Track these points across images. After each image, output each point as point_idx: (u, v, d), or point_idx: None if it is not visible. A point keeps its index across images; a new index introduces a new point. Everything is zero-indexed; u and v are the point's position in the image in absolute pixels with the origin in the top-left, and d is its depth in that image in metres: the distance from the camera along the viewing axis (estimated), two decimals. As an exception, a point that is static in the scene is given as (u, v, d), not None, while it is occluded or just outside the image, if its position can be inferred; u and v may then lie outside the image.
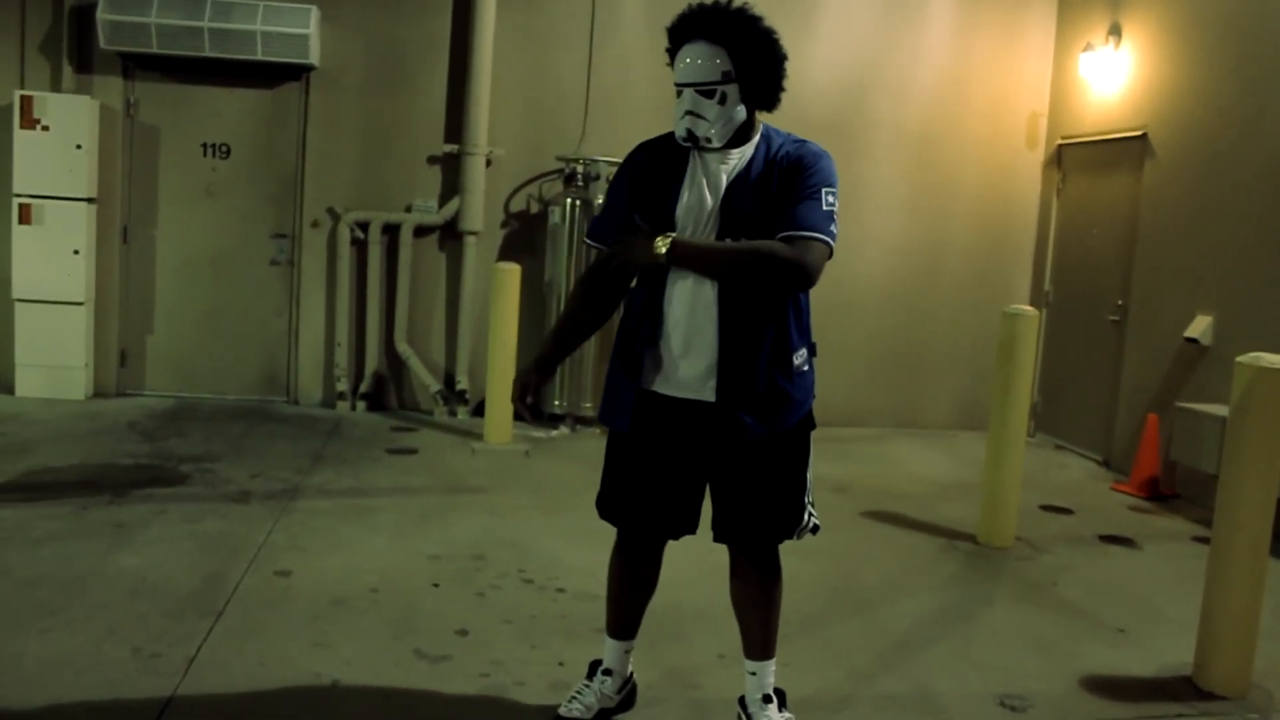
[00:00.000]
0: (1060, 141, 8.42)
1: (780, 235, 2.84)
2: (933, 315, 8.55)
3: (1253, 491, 3.76)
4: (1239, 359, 3.80)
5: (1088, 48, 7.90)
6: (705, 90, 2.84)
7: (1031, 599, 4.76)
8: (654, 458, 3.04)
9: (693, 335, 2.92)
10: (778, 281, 2.86)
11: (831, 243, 2.87)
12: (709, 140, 2.88)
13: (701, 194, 2.93)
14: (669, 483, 3.04)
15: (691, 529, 3.12)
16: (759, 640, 3.20)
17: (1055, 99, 8.51)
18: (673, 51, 2.93)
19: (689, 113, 2.87)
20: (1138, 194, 7.47)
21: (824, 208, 2.86)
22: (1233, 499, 3.80)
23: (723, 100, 2.85)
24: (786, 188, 2.88)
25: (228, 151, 7.82)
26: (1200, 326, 6.70)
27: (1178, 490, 6.80)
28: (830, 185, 2.89)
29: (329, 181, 7.84)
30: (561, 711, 3.25)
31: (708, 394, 2.93)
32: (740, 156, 2.94)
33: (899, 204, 8.39)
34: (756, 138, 2.97)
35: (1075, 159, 8.33)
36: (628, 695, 3.38)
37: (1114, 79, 7.72)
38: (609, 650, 3.31)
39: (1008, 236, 8.65)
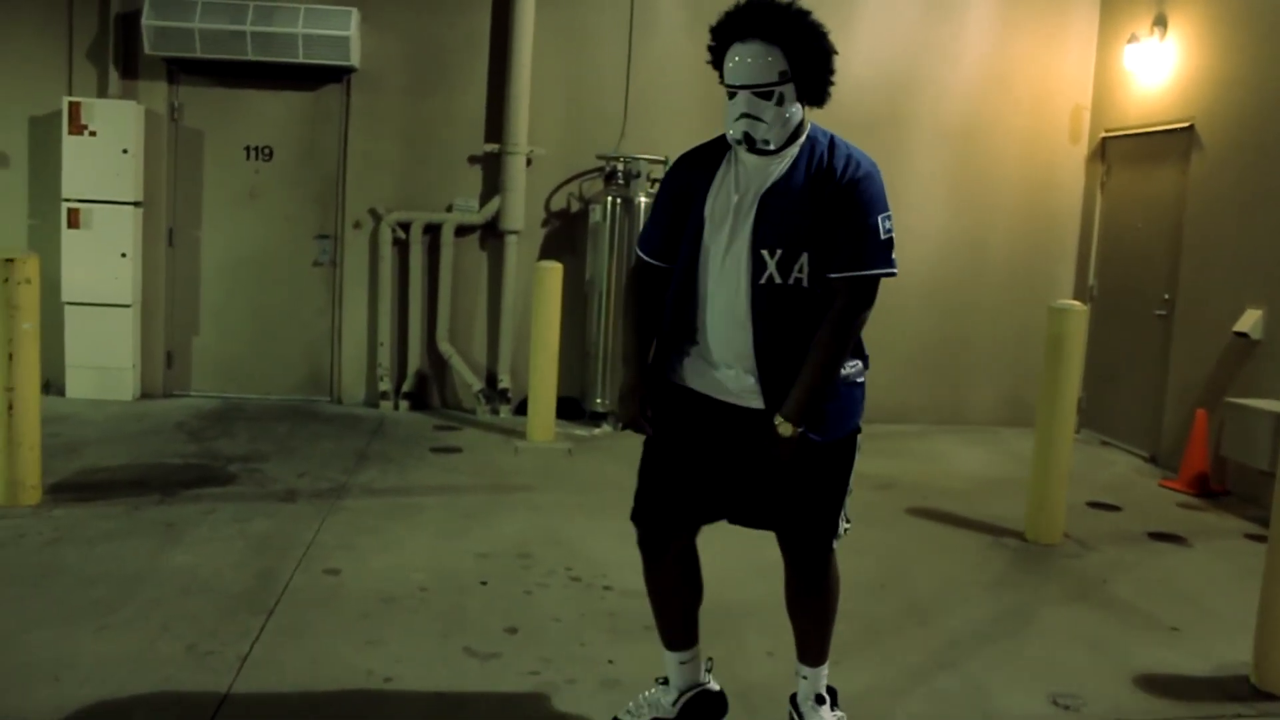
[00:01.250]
0: (1104, 134, 8.32)
1: (839, 275, 2.81)
2: (976, 311, 8.48)
3: (1311, 487, 3.70)
4: (1296, 353, 3.74)
5: (1132, 39, 7.80)
6: (763, 92, 2.76)
7: (1082, 597, 4.71)
8: (687, 453, 2.99)
9: (730, 344, 2.89)
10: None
11: (893, 270, 2.84)
12: (767, 143, 2.80)
13: (730, 194, 2.88)
14: (699, 479, 2.99)
15: (724, 515, 3.04)
16: (812, 646, 3.17)
17: (1099, 92, 8.42)
18: (718, 50, 2.84)
19: (745, 115, 2.77)
20: (1184, 187, 7.37)
21: (882, 237, 2.81)
22: (1290, 495, 3.74)
23: (780, 101, 2.76)
24: (840, 217, 2.80)
25: (270, 154, 7.89)
26: (1250, 320, 6.60)
27: (1228, 487, 6.70)
28: (885, 209, 2.83)
29: (370, 182, 7.90)
30: (618, 715, 3.25)
31: (754, 400, 2.89)
32: (783, 161, 2.85)
33: (941, 200, 8.34)
34: (803, 138, 2.88)
35: (1119, 152, 8.24)
36: (701, 706, 3.25)
37: (1159, 70, 7.62)
38: (665, 662, 3.25)
39: (1051, 231, 8.57)
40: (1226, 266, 6.91)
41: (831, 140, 2.90)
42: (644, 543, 3.14)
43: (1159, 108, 7.65)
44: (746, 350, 2.87)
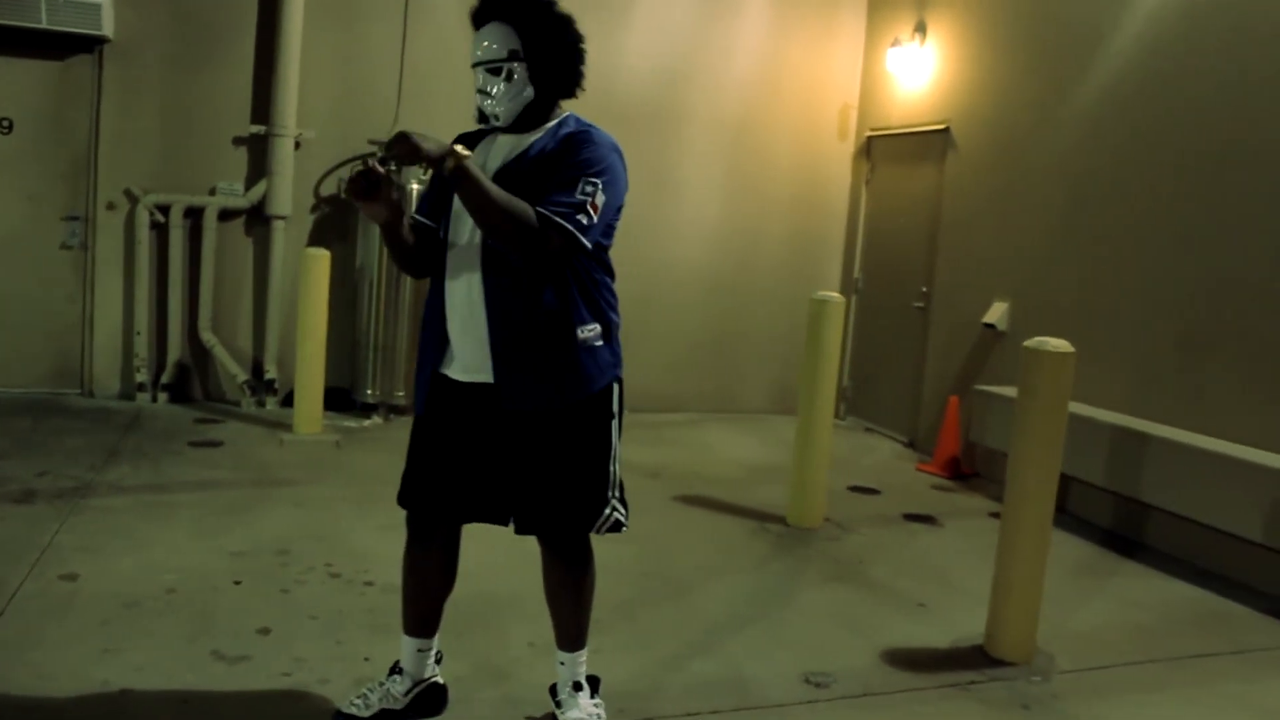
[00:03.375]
0: (869, 133, 8.70)
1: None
2: (748, 301, 8.72)
3: (1038, 468, 3.96)
4: (1025, 343, 3.99)
5: (895, 43, 8.18)
6: (493, 68, 2.88)
7: (839, 578, 4.91)
8: (446, 439, 3.03)
9: (468, 317, 2.92)
10: (512, 244, 2.74)
11: (571, 230, 2.74)
12: (496, 118, 2.91)
13: None
14: (460, 465, 3.02)
15: (495, 517, 3.06)
16: (569, 631, 3.19)
17: (865, 92, 8.78)
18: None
19: (479, 91, 2.91)
20: (940, 185, 7.78)
21: (578, 195, 2.76)
22: (1020, 475, 4.00)
23: (509, 77, 2.87)
24: (552, 168, 2.83)
25: (10, 126, 7.30)
26: (997, 313, 7.03)
27: (977, 469, 7.13)
28: (590, 174, 2.79)
29: (126, 161, 7.41)
30: (342, 707, 3.18)
31: (487, 375, 2.92)
32: (528, 140, 2.94)
33: (715, 193, 8.52)
34: (553, 123, 2.97)
35: (883, 150, 8.62)
36: (426, 699, 3.24)
37: (919, 74, 8.01)
38: (403, 647, 3.23)
39: (820, 226, 8.90)
40: (977, 261, 7.33)
41: (580, 121, 2.98)
42: (412, 525, 3.15)
43: (919, 109, 8.04)
44: (481, 320, 2.89)
